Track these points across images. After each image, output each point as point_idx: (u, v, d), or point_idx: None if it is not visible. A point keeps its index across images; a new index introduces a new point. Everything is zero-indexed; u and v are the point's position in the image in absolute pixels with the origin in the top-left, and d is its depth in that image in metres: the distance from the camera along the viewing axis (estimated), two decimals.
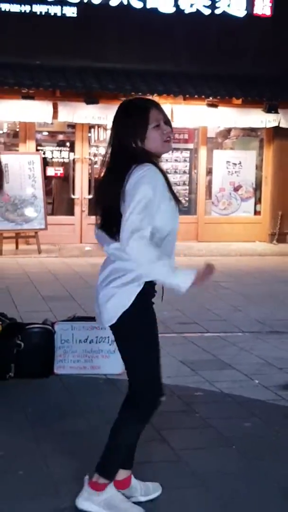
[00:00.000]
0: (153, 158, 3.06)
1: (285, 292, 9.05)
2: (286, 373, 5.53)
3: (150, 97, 11.85)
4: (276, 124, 13.16)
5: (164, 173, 3.05)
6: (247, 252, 12.49)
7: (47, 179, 12.70)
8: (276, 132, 13.52)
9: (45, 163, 12.72)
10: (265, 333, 6.88)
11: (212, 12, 12.60)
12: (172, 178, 12.09)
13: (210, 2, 12.55)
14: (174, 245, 3.11)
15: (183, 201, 12.56)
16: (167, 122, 3.14)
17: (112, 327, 3.14)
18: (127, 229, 2.89)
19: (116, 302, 3.04)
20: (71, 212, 13.11)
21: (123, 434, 3.18)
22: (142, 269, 2.96)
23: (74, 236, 12.93)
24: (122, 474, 3.27)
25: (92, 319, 5.61)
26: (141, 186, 2.92)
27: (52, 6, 11.96)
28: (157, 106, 3.15)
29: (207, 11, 12.58)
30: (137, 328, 3.09)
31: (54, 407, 4.68)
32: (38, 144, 13.09)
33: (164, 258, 2.91)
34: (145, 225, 2.90)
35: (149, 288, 3.06)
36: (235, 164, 13.67)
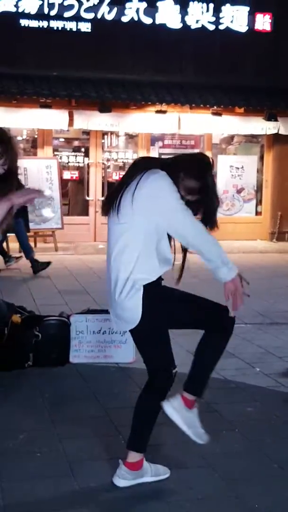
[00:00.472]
0: None
1: (284, 286, 9.00)
2: (285, 362, 5.50)
3: (159, 107, 11.97)
4: (276, 131, 13.10)
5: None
6: (249, 250, 12.45)
7: (63, 182, 12.69)
8: (276, 139, 13.46)
9: (62, 167, 12.72)
10: (266, 324, 6.85)
11: (216, 28, 12.54)
12: None
13: (214, 19, 12.49)
14: (169, 249, 3.13)
15: None
16: None
17: (131, 331, 3.21)
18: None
19: (131, 312, 3.10)
20: (85, 213, 13.10)
21: (147, 410, 3.22)
22: (202, 239, 3.02)
23: (89, 235, 12.92)
24: (135, 457, 3.25)
25: (105, 311, 5.61)
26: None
27: (68, 22, 11.94)
28: None
29: (211, 27, 12.52)
30: (151, 324, 3.11)
31: (70, 393, 4.67)
32: (55, 150, 13.08)
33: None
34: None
35: (150, 285, 3.08)
36: (237, 168, 13.62)
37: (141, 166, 3.15)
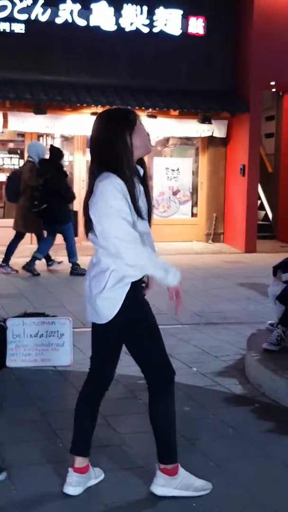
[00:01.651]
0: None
1: (220, 287, 9.14)
2: (222, 361, 5.59)
3: (95, 109, 11.95)
4: (210, 134, 13.28)
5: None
6: (185, 251, 12.58)
7: None
8: (210, 141, 13.65)
9: None
10: (202, 324, 6.94)
11: (151, 31, 12.60)
12: None
13: (148, 21, 12.55)
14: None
15: None
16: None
17: (109, 324, 3.10)
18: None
19: (110, 303, 3.04)
20: None
21: (162, 417, 3.18)
22: (138, 270, 3.02)
23: (25, 238, 12.71)
24: (83, 462, 3.25)
25: (42, 314, 5.59)
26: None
27: (1, 22, 11.75)
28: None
29: (145, 30, 12.58)
30: (136, 321, 3.10)
31: (7, 398, 4.61)
32: None
33: (152, 253, 3.02)
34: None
35: (136, 282, 3.08)
36: (173, 170, 13.74)
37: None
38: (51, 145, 10.82)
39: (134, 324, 3.10)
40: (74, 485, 3.20)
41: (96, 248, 3.12)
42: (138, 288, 3.10)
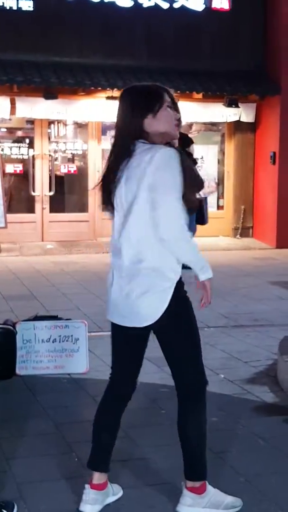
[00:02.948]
0: None
1: (249, 286, 9.12)
2: (252, 367, 5.58)
3: (110, 92, 11.96)
4: (237, 118, 13.24)
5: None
6: (211, 247, 12.55)
7: (5, 176, 12.57)
8: (237, 127, 13.61)
9: (4, 159, 12.59)
10: (230, 327, 6.93)
11: (171, 6, 12.60)
12: None
13: None
14: None
15: None
16: (178, 111, 3.19)
17: (152, 327, 3.10)
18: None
19: (155, 303, 3.04)
20: (31, 210, 13.01)
21: (192, 429, 3.18)
22: (185, 256, 3.06)
23: (35, 234, 12.83)
24: (101, 478, 3.25)
25: (55, 317, 5.61)
26: None
27: None
28: (170, 92, 3.17)
29: (165, 5, 12.58)
30: (181, 322, 3.11)
31: (17, 409, 4.64)
32: None
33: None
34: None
35: (180, 282, 3.12)
36: (197, 158, 13.71)
37: None
38: (181, 133, 10.74)
39: (179, 325, 3.10)
40: (91, 503, 3.21)
41: (132, 242, 3.06)
42: (181, 285, 3.12)
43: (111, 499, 3.31)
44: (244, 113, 13.24)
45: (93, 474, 3.25)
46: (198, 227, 13.12)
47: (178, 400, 3.20)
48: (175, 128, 3.09)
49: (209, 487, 3.23)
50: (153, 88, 3.13)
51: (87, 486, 3.24)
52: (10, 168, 12.87)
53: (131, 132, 3.04)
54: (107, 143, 13.29)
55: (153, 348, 3.29)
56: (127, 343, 3.22)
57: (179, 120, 3.11)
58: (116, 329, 3.21)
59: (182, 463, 3.23)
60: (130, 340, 3.20)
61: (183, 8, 12.65)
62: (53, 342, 5.33)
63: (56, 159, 13.24)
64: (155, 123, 3.03)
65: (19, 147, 13.05)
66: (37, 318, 5.52)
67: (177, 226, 2.95)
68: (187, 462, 3.20)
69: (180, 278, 3.12)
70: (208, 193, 13.87)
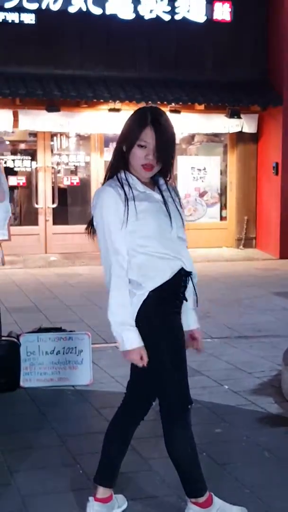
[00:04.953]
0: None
1: (253, 297, 9.12)
2: (256, 378, 5.57)
3: (112, 104, 12.01)
4: (239, 129, 13.29)
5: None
6: (214, 258, 12.57)
7: (9, 189, 12.60)
8: (240, 137, 13.65)
9: (7, 172, 12.63)
10: (233, 338, 6.93)
11: (172, 18, 12.67)
12: None
13: (169, 8, 12.62)
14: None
15: None
16: (158, 148, 2.94)
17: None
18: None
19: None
20: (35, 222, 13.05)
21: (181, 449, 3.12)
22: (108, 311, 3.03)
23: (39, 247, 12.87)
24: (106, 492, 3.24)
25: (59, 329, 5.62)
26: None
27: (9, 13, 11.91)
28: (154, 125, 2.94)
29: (167, 17, 12.66)
30: (149, 337, 2.99)
31: (21, 421, 4.64)
32: None
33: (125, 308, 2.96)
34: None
35: (159, 296, 2.97)
36: (199, 170, 13.77)
37: None
38: None
39: (155, 341, 2.99)
40: None
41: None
42: (164, 303, 3.00)
43: (116, 511, 3.31)
44: (246, 124, 13.28)
45: (98, 487, 3.25)
46: (200, 237, 13.12)
47: (162, 423, 3.13)
48: (141, 168, 2.97)
49: (216, 500, 3.21)
50: (133, 119, 3.01)
51: (91, 498, 3.23)
52: (13, 181, 12.91)
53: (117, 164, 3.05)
54: (110, 154, 13.32)
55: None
56: None
57: (158, 156, 2.94)
58: None
59: None
60: None
61: (184, 20, 12.72)
62: (57, 354, 5.34)
63: (59, 171, 13.29)
64: (129, 158, 3.00)
65: (22, 159, 13.10)
66: (41, 330, 5.53)
67: None
68: (182, 482, 3.18)
69: (168, 295, 3.01)
70: (211, 204, 13.92)
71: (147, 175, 3.02)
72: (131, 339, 2.95)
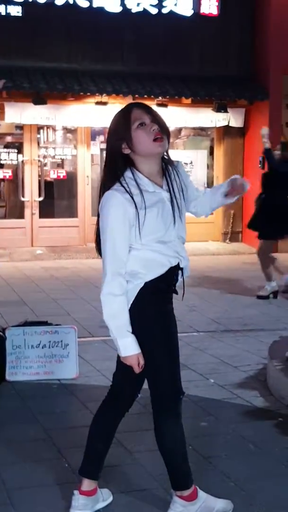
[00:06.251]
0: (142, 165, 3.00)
1: (239, 291, 9.14)
2: (241, 371, 5.59)
3: (99, 98, 11.98)
4: (226, 124, 13.29)
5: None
6: (201, 252, 12.59)
7: None
8: (226, 131, 13.65)
9: None
10: (219, 332, 6.94)
11: (159, 12, 12.64)
12: None
13: (157, 1, 12.58)
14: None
15: None
16: (155, 121, 2.98)
17: None
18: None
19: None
20: (21, 215, 13.00)
21: (172, 442, 3.11)
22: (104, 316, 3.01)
23: (25, 240, 12.82)
24: (91, 485, 3.24)
25: (44, 323, 5.61)
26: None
27: None
28: (140, 106, 3.01)
29: (154, 10, 12.62)
30: (143, 324, 3.01)
31: (7, 415, 4.63)
32: None
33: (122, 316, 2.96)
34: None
35: (154, 286, 2.99)
36: (186, 163, 13.74)
37: None
38: None
39: (149, 327, 3.01)
40: (80, 509, 3.21)
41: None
42: (158, 292, 3.02)
43: (101, 504, 3.31)
44: (233, 118, 13.29)
45: (83, 480, 3.25)
46: (187, 231, 13.11)
47: (153, 414, 3.13)
48: (153, 144, 2.96)
49: (201, 493, 3.22)
50: (117, 114, 3.02)
51: (76, 492, 3.24)
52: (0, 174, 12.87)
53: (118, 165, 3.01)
54: (96, 148, 13.32)
55: None
56: None
57: (160, 129, 2.97)
58: None
59: None
60: None
61: (171, 13, 12.70)
62: (42, 347, 5.33)
63: (45, 164, 13.24)
64: (132, 149, 2.97)
65: (8, 152, 13.03)
66: (27, 323, 5.52)
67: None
68: (170, 474, 3.18)
69: (163, 287, 3.04)
70: None
71: (160, 149, 2.99)
72: (128, 346, 2.97)
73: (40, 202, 12.87)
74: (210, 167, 14.13)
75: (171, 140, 14.55)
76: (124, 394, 3.26)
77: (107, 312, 2.98)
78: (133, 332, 2.98)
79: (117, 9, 12.41)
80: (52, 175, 13.27)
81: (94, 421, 3.29)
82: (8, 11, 11.90)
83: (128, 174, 2.99)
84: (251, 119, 13.46)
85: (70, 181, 13.38)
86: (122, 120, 2.97)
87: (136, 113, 2.97)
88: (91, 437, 3.28)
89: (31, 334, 5.34)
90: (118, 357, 3.10)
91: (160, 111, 12.48)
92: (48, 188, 13.12)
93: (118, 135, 2.97)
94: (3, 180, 13.21)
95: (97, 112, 12.29)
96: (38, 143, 13.22)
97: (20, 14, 11.95)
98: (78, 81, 12.11)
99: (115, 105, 12.36)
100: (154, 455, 3.85)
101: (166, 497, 3.32)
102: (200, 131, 14.19)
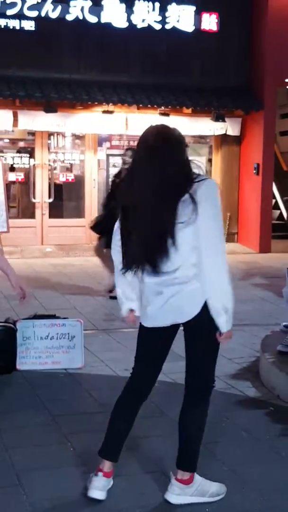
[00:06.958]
0: None
1: (234, 288, 9.09)
2: (235, 363, 5.57)
3: (106, 107, 11.96)
4: (224, 132, 13.27)
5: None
6: None
7: (8, 184, 12.55)
8: (224, 139, 13.64)
9: (6, 168, 12.57)
10: None
11: (163, 27, 12.61)
12: None
13: (160, 18, 12.56)
14: None
15: None
16: None
17: (190, 324, 3.10)
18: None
19: (195, 299, 3.09)
20: (32, 215, 13.00)
21: (194, 423, 3.18)
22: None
23: (36, 238, 12.82)
24: (111, 466, 3.23)
25: (53, 316, 5.60)
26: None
27: (11, 19, 11.81)
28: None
29: (158, 26, 12.59)
30: (213, 324, 3.12)
31: (17, 401, 4.63)
32: None
33: None
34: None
35: None
36: None
37: None
38: None
39: (212, 328, 3.10)
40: (101, 489, 3.19)
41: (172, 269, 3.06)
42: None
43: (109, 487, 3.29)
44: (230, 127, 13.27)
45: (104, 462, 3.22)
46: None
47: (185, 394, 3.19)
48: None
49: (197, 477, 3.22)
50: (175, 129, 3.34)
51: (100, 473, 3.19)
52: (12, 177, 12.85)
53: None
54: (103, 153, 13.31)
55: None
56: (161, 343, 3.20)
57: None
58: (153, 332, 3.15)
59: (171, 453, 3.22)
60: (165, 339, 3.19)
61: (174, 29, 12.67)
62: (51, 339, 5.32)
63: (55, 168, 13.22)
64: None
65: (21, 157, 13.03)
66: (36, 316, 5.51)
67: None
68: (181, 452, 3.19)
69: None
70: None
71: None
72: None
73: (49, 203, 12.87)
74: (208, 172, 14.09)
75: None
76: (147, 383, 3.27)
77: (233, 298, 3.27)
78: (208, 326, 3.09)
79: (124, 24, 12.38)
80: (61, 178, 13.25)
81: (117, 407, 3.27)
82: (22, 26, 11.88)
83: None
84: (247, 128, 13.43)
85: (78, 184, 13.37)
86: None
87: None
88: (113, 421, 3.26)
89: (40, 326, 5.33)
90: (140, 346, 3.18)
91: (162, 120, 12.53)
92: (58, 190, 13.11)
93: (184, 144, 3.23)
94: (15, 182, 13.20)
95: (104, 120, 12.28)
96: (49, 149, 13.21)
97: (33, 29, 11.92)
98: (86, 91, 12.09)
99: (121, 114, 12.36)
100: (153, 441, 3.85)
101: (164, 479, 3.31)
102: (200, 139, 14.16)
